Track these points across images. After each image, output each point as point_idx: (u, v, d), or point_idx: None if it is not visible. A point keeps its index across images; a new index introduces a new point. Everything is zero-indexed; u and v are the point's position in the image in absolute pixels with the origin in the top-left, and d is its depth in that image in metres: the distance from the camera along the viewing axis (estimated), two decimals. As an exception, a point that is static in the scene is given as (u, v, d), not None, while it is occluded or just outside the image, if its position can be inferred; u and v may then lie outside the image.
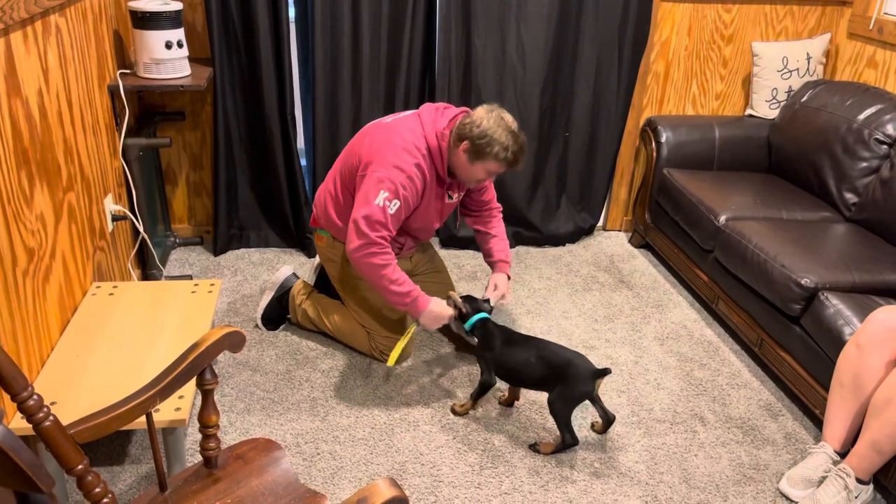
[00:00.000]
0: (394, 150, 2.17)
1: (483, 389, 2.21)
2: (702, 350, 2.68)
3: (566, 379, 2.04)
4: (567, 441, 2.09)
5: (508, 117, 2.17)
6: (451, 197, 2.39)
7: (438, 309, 2.23)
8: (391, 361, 2.31)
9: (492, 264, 2.52)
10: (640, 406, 2.35)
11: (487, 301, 2.30)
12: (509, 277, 2.49)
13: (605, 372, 2.03)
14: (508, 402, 2.30)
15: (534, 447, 2.13)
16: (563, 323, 2.80)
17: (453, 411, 2.26)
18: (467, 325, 2.23)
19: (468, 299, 2.27)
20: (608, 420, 2.16)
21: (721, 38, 3.30)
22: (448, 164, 2.25)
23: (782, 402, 2.42)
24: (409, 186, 2.16)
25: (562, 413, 2.07)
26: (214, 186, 3.06)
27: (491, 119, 2.14)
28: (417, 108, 2.33)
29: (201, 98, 3.03)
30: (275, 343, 2.57)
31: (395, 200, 2.15)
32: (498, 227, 2.55)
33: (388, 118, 2.31)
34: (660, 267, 3.31)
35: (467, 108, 2.28)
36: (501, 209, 2.58)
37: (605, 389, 2.41)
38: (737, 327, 2.65)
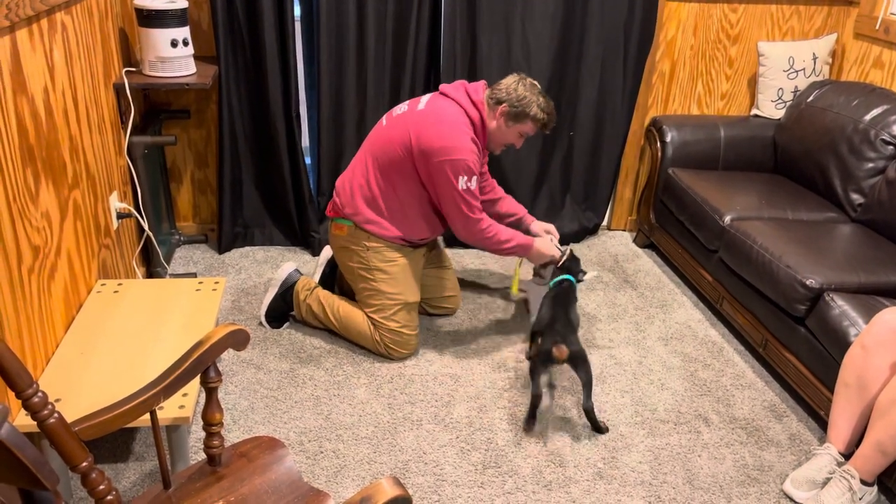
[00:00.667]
0: (448, 133, 2.26)
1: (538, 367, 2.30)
2: (706, 350, 2.67)
3: (546, 335, 2.21)
4: (532, 393, 2.20)
5: (537, 85, 2.34)
6: (481, 174, 2.55)
7: (544, 247, 2.53)
8: (514, 291, 2.74)
9: (520, 221, 2.71)
10: (643, 406, 2.34)
11: (584, 273, 2.54)
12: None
13: (566, 361, 2.15)
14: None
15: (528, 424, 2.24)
16: (566, 322, 2.80)
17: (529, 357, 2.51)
18: (552, 283, 2.48)
19: (573, 259, 2.53)
20: (598, 429, 2.22)
21: (727, 37, 3.29)
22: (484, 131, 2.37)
23: (787, 402, 2.41)
24: (475, 159, 2.30)
25: (532, 365, 2.22)
26: (219, 184, 3.07)
27: (525, 84, 2.32)
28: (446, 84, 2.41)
29: (206, 96, 3.03)
30: (279, 341, 2.57)
31: (474, 177, 2.31)
32: (498, 188, 2.73)
33: (416, 105, 2.37)
34: (664, 267, 3.30)
35: (484, 81, 2.40)
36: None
37: (609, 389, 2.41)
38: (741, 328, 2.65)
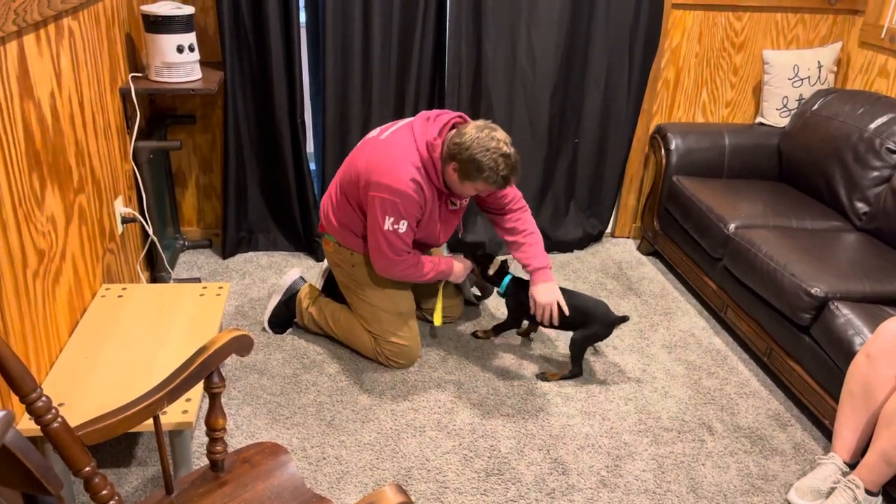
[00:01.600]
0: (389, 169, 2.18)
1: (506, 327, 2.61)
2: (710, 358, 2.67)
3: (589, 323, 2.40)
4: (574, 372, 2.47)
5: (500, 135, 2.14)
6: (454, 204, 2.39)
7: (459, 265, 2.51)
8: (437, 321, 2.56)
9: (528, 274, 2.43)
10: (647, 414, 2.34)
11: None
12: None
13: (623, 319, 2.39)
14: (527, 333, 2.70)
15: (542, 376, 2.47)
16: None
17: (475, 335, 2.67)
18: (502, 288, 2.54)
19: (485, 258, 2.59)
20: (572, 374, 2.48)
21: (732, 45, 3.29)
22: (442, 176, 2.25)
23: (791, 411, 2.40)
24: (409, 204, 2.19)
25: (579, 351, 2.45)
26: (224, 189, 3.08)
27: (481, 140, 2.11)
28: (428, 111, 2.34)
29: (212, 101, 3.04)
30: (282, 347, 2.57)
31: (403, 221, 2.21)
32: (525, 228, 2.44)
33: (385, 132, 2.31)
34: (668, 274, 3.30)
35: (462, 115, 2.27)
36: (527, 208, 2.48)
37: (613, 397, 2.41)
38: (745, 336, 2.64)
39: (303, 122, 2.99)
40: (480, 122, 2.17)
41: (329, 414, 2.24)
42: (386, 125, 2.37)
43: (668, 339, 2.78)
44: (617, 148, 3.35)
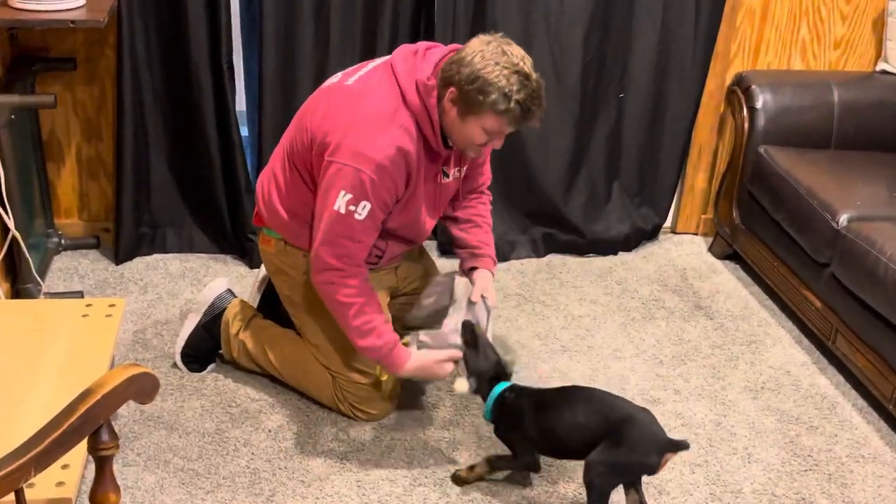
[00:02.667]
0: (361, 128, 2.15)
1: (504, 467, 2.30)
2: (812, 407, 2.67)
3: (623, 439, 2.04)
4: None
5: (516, 51, 2.14)
6: (446, 175, 2.38)
7: (427, 364, 2.30)
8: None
9: (472, 257, 2.53)
10: (723, 486, 2.34)
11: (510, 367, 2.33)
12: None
13: (680, 446, 2.05)
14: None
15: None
16: (613, 366, 2.79)
17: (456, 478, 2.29)
18: (486, 412, 2.25)
19: (473, 353, 2.26)
20: None
21: (843, -40, 3.32)
22: (441, 127, 2.23)
23: (928, 482, 2.41)
24: (383, 181, 2.16)
25: (602, 483, 2.06)
26: (117, 165, 3.06)
27: (487, 53, 2.10)
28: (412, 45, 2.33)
29: (100, 39, 3.03)
30: (200, 390, 2.56)
31: (364, 203, 2.15)
32: (484, 215, 2.61)
33: (352, 76, 2.30)
34: (753, 287, 3.30)
35: (459, 46, 2.25)
36: (491, 197, 2.64)
37: (673, 462, 2.40)
38: (863, 374, 2.64)
39: (230, 69, 2.99)
40: (487, 36, 2.16)
41: (268, 487, 2.23)
42: (351, 68, 2.36)
43: (752, 378, 2.78)
44: (679, 107, 3.35)
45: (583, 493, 2.12)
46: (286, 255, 2.42)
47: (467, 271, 2.53)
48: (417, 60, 2.22)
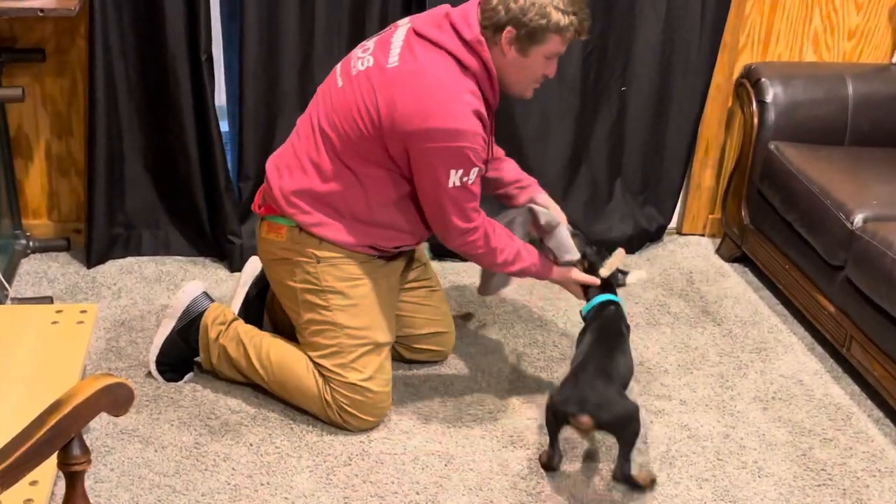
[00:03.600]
0: (437, 105, 2.27)
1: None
2: (826, 417, 2.68)
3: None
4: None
5: None
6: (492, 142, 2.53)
7: (573, 279, 2.58)
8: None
9: (521, 190, 2.71)
10: (732, 502, 2.34)
11: (625, 274, 2.59)
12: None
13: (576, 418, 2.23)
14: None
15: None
16: (616, 374, 2.80)
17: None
18: (585, 310, 2.54)
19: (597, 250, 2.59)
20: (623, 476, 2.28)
21: (857, -54, 3.33)
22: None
23: (948, 497, 2.42)
24: (478, 142, 2.31)
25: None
26: (89, 163, 3.06)
27: None
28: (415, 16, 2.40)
29: (71, 28, 3.03)
30: (177, 401, 2.56)
31: (474, 169, 2.32)
32: (502, 157, 2.76)
33: (388, 56, 2.34)
34: (763, 291, 3.31)
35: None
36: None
37: (680, 476, 2.41)
38: (879, 383, 2.65)
39: (209, 61, 2.99)
40: None
41: (249, 504, 2.24)
42: (369, 45, 2.41)
43: (762, 388, 2.79)
44: (685, 101, 3.36)
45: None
46: (298, 242, 2.43)
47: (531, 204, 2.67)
48: (456, 22, 2.32)
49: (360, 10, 3.06)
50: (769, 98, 3.24)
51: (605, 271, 2.53)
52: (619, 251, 2.58)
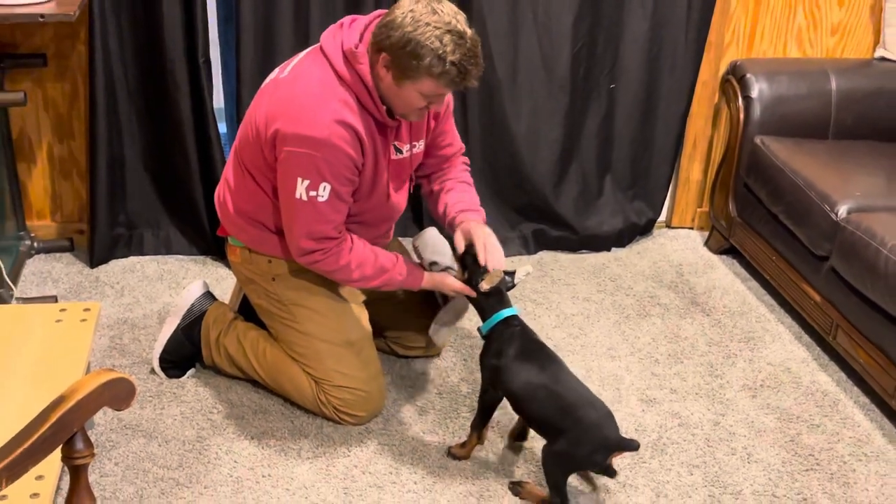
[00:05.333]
0: (299, 110, 2.17)
1: (484, 411, 2.35)
2: (813, 404, 2.69)
3: (572, 431, 2.12)
4: (555, 502, 2.16)
5: (447, 8, 2.08)
6: (399, 151, 2.37)
7: (438, 279, 2.42)
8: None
9: (457, 215, 2.47)
10: (722, 488, 2.35)
11: (511, 275, 2.38)
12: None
13: (628, 446, 2.13)
14: (518, 436, 2.44)
15: (514, 488, 2.28)
16: (607, 365, 2.80)
17: (452, 455, 2.38)
18: (484, 329, 2.33)
19: (480, 266, 2.33)
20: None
21: (839, -56, 3.33)
22: (377, 91, 2.22)
23: (932, 480, 2.43)
24: (335, 157, 2.17)
25: (552, 473, 2.16)
26: (90, 164, 3.06)
27: (417, 13, 2.06)
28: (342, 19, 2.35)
29: (71, 33, 3.02)
30: (180, 396, 2.56)
31: (324, 185, 2.17)
32: (458, 177, 2.57)
33: (286, 68, 2.31)
34: (750, 282, 3.32)
35: (385, 10, 2.21)
36: (468, 162, 2.63)
37: (671, 462, 2.41)
38: (864, 370, 2.66)
39: (207, 64, 2.99)
40: None
41: (252, 495, 2.23)
42: (290, 59, 2.37)
43: (750, 376, 2.79)
44: (672, 97, 3.36)
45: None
46: (252, 263, 2.44)
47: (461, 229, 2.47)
48: (343, 32, 2.22)
49: (352, 12, 3.06)
50: (754, 94, 3.25)
51: (485, 285, 2.28)
52: (497, 270, 2.30)
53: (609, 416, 2.14)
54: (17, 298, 2.87)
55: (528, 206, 3.37)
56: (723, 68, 3.42)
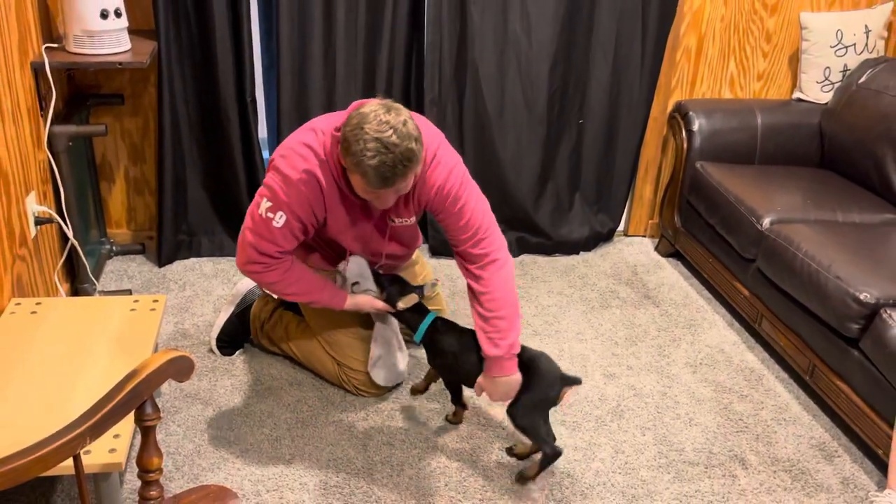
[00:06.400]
0: (284, 150, 2.10)
1: (454, 393, 2.34)
2: (742, 378, 2.69)
3: (535, 379, 2.11)
4: (548, 452, 2.13)
5: (393, 119, 1.89)
6: (392, 220, 2.26)
7: (360, 300, 2.30)
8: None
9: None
10: (668, 446, 2.35)
11: (420, 289, 2.30)
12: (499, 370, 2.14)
13: (575, 381, 2.13)
14: (458, 419, 2.40)
15: (510, 450, 2.26)
16: (576, 347, 2.80)
17: (448, 420, 2.39)
18: (418, 338, 2.24)
19: (396, 287, 2.27)
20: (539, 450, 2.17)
21: (763, 7, 3.32)
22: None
23: (838, 440, 2.42)
24: (295, 197, 2.06)
25: (532, 422, 2.12)
26: (159, 183, 3.06)
27: (365, 117, 1.89)
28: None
29: (143, 78, 3.03)
30: (231, 371, 2.56)
31: (280, 213, 2.08)
32: (490, 292, 2.13)
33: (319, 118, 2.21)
34: (692, 279, 3.32)
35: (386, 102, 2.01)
36: (501, 262, 2.16)
37: (627, 426, 2.41)
38: (784, 351, 2.66)
39: (253, 102, 2.99)
40: (385, 101, 1.95)
41: (288, 451, 2.24)
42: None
43: (692, 356, 2.79)
44: (629, 130, 3.36)
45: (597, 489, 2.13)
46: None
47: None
48: (337, 115, 2.11)
49: (372, 61, 3.06)
50: (695, 127, 3.25)
51: (402, 304, 2.23)
52: (412, 295, 2.24)
53: (552, 360, 2.15)
54: (100, 291, 2.88)
55: (513, 218, 3.38)
56: (670, 106, 3.43)
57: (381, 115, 1.88)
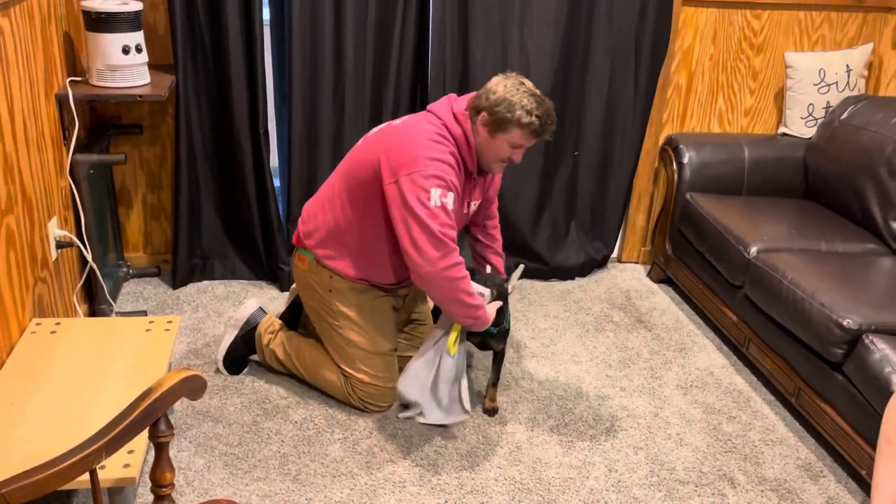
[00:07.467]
0: (421, 143, 2.19)
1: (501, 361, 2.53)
2: (731, 400, 2.68)
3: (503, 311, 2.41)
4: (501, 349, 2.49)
5: (529, 82, 2.24)
6: (468, 205, 2.42)
7: (492, 313, 2.36)
8: (451, 350, 2.31)
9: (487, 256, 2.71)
10: (660, 465, 2.34)
11: (507, 281, 2.49)
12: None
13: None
14: (494, 409, 2.53)
15: (489, 410, 2.51)
16: (571, 368, 2.80)
17: (487, 411, 2.52)
18: (507, 321, 2.48)
19: (495, 284, 2.41)
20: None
21: (750, 47, 3.35)
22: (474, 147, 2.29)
23: (823, 460, 2.41)
24: (455, 175, 2.21)
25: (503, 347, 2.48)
26: (175, 209, 3.07)
27: (508, 83, 2.21)
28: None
29: (161, 109, 3.05)
30: (240, 389, 2.56)
31: (450, 193, 2.18)
32: (499, 244, 2.73)
33: (396, 120, 2.35)
34: (683, 305, 3.32)
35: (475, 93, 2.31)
36: (498, 217, 2.73)
37: (620, 445, 2.40)
38: (771, 374, 2.65)
39: (266, 134, 3.00)
40: (503, 74, 2.26)
41: (294, 467, 2.23)
42: (396, 120, 2.40)
43: (683, 378, 2.79)
44: (623, 162, 3.38)
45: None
46: (315, 273, 2.42)
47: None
48: (452, 101, 2.30)
49: (378, 95, 3.09)
50: (686, 160, 3.27)
51: (512, 285, 2.47)
52: (517, 270, 2.52)
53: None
54: (116, 312, 2.88)
55: (512, 244, 3.38)
56: (661, 140, 3.44)
57: (520, 80, 2.22)
